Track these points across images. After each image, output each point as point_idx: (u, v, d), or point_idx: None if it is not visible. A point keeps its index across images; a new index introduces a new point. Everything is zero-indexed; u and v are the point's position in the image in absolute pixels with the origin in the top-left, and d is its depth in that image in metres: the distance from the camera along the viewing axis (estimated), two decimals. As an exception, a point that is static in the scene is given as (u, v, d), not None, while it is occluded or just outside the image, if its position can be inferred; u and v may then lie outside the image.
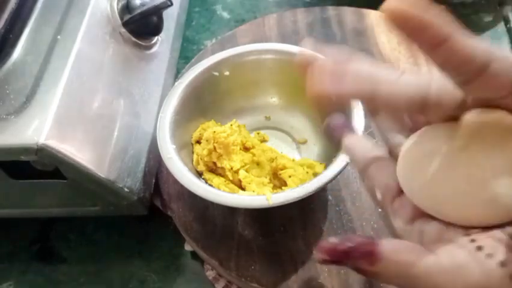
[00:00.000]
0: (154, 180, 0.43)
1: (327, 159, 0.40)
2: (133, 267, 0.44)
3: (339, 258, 0.20)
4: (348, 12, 0.55)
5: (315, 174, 0.39)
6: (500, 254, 0.19)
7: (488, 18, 0.57)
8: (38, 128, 0.33)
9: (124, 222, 0.46)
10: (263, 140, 0.46)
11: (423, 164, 0.22)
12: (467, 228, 0.21)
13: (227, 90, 0.46)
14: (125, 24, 0.43)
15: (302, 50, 0.22)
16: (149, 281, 0.43)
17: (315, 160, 0.42)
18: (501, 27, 0.56)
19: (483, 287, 0.19)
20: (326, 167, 0.38)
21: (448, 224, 0.21)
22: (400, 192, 0.23)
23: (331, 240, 0.20)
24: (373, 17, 0.54)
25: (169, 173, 0.38)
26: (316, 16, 0.55)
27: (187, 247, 0.44)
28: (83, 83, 0.37)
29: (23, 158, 0.33)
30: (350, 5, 0.55)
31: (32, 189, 0.40)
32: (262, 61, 0.45)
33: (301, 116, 0.46)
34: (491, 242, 0.20)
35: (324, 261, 0.21)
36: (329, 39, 0.53)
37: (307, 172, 0.40)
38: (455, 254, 0.19)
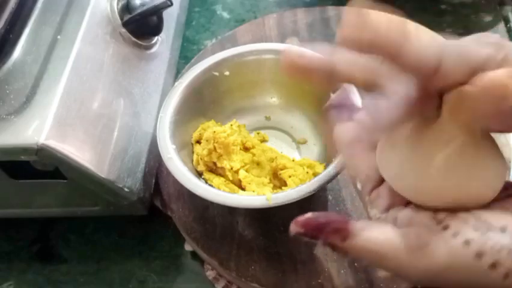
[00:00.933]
0: (154, 180, 0.43)
1: (327, 159, 0.40)
2: (133, 267, 0.44)
3: (312, 231, 0.22)
4: (348, 12, 0.55)
5: (315, 174, 0.39)
6: (465, 233, 0.20)
7: (488, 18, 0.57)
8: (38, 128, 0.33)
9: (124, 222, 0.46)
10: (263, 140, 0.46)
11: (399, 147, 0.22)
12: (436, 212, 0.21)
13: (227, 90, 0.46)
14: (125, 24, 0.43)
15: (287, 47, 0.23)
16: (149, 281, 0.43)
17: (315, 160, 0.42)
18: (501, 27, 0.56)
19: (447, 264, 0.19)
20: (325, 167, 0.38)
21: (419, 210, 0.22)
22: (379, 183, 0.24)
23: (307, 215, 0.22)
24: (373, 17, 0.54)
25: (169, 173, 0.38)
26: (316, 16, 0.55)
27: (187, 247, 0.44)
28: (83, 83, 0.37)
29: (23, 158, 0.33)
30: (350, 5, 0.55)
31: (32, 189, 0.40)
32: (262, 61, 0.45)
33: (301, 116, 0.46)
34: (457, 222, 0.20)
35: (298, 234, 0.22)
36: (329, 39, 0.53)
37: (307, 172, 0.40)
38: (420, 233, 0.20)
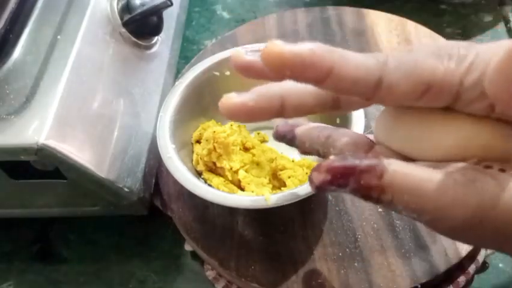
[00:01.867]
0: (154, 180, 0.43)
1: None
2: (133, 267, 0.44)
3: (342, 175, 0.18)
4: (348, 12, 0.55)
5: None
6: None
7: (488, 18, 0.57)
8: (38, 128, 0.33)
9: (124, 222, 0.46)
10: (263, 141, 0.46)
11: (402, 112, 0.21)
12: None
13: (228, 90, 0.45)
14: (125, 24, 0.43)
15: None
16: (149, 281, 0.43)
17: (314, 161, 0.42)
18: (501, 27, 0.56)
19: (499, 199, 0.17)
20: None
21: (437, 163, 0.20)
22: (369, 149, 0.23)
23: (330, 158, 0.19)
24: (373, 17, 0.54)
25: (169, 173, 0.38)
26: (316, 16, 0.55)
27: (187, 247, 0.44)
28: (83, 83, 0.37)
29: (23, 158, 0.33)
30: (350, 5, 0.55)
31: (32, 189, 0.40)
32: None
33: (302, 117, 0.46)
34: (496, 163, 0.19)
35: (324, 183, 0.18)
36: (329, 39, 0.53)
37: (306, 173, 0.40)
38: (466, 171, 0.18)
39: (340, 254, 0.38)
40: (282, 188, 0.40)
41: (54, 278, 0.44)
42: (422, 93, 0.18)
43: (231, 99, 0.21)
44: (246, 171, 0.41)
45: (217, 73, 0.44)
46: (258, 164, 0.42)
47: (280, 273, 0.38)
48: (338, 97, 0.22)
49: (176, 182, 0.38)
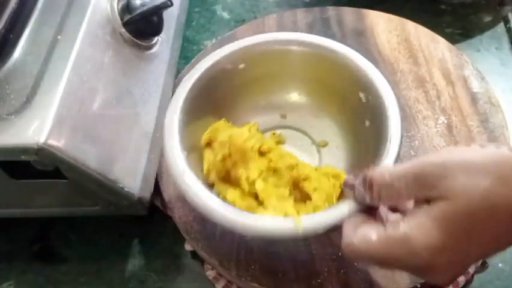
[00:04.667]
0: (154, 180, 0.43)
1: (355, 166, 0.37)
2: (133, 267, 0.44)
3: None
4: (348, 12, 0.55)
5: (341, 186, 0.34)
6: None
7: (488, 18, 0.57)
8: (38, 128, 0.33)
9: (124, 222, 0.46)
10: (279, 142, 0.42)
11: None
12: None
13: (242, 84, 0.42)
14: (125, 25, 0.43)
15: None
16: (149, 281, 0.43)
17: (338, 167, 0.37)
18: (501, 27, 0.56)
19: None
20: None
21: None
22: None
23: None
24: (373, 17, 0.54)
25: (169, 174, 0.38)
26: (316, 16, 0.55)
27: (187, 247, 0.44)
28: (83, 83, 0.37)
29: (23, 158, 0.33)
30: (350, 5, 0.55)
31: (32, 189, 0.40)
32: (284, 53, 0.41)
33: (323, 115, 0.42)
34: None
35: None
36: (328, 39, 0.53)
37: (333, 185, 0.35)
38: None
39: (340, 254, 0.38)
40: (307, 202, 0.35)
41: (54, 278, 0.44)
42: None
43: None
44: (263, 179, 0.36)
45: (229, 66, 0.40)
46: (275, 170, 0.36)
47: (280, 273, 0.38)
48: None
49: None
